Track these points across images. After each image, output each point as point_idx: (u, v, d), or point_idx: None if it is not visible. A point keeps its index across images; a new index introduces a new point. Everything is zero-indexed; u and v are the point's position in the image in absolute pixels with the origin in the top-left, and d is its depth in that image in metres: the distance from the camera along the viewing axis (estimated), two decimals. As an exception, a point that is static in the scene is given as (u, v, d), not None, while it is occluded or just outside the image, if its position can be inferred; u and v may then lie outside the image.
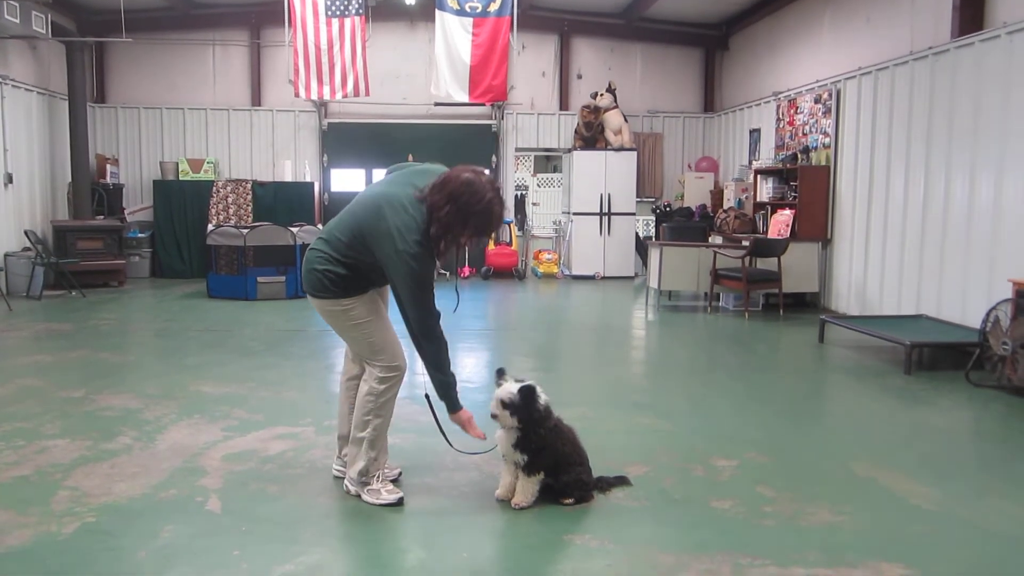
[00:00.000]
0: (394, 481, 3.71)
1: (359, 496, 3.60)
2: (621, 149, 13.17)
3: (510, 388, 3.45)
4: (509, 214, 3.30)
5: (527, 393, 3.43)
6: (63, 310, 9.37)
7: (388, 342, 3.57)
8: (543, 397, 3.52)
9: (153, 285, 11.96)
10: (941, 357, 6.99)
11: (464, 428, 3.56)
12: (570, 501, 3.55)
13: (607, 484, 3.74)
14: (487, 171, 3.57)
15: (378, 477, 3.62)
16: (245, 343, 7.44)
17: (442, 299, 3.47)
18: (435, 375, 3.49)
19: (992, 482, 4.08)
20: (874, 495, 3.79)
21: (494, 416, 3.47)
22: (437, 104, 13.02)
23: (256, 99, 13.40)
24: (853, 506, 3.61)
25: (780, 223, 10.04)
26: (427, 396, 3.71)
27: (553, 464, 3.52)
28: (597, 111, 13.11)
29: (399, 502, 3.55)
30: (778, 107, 11.19)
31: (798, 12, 11.00)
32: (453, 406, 3.54)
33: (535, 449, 3.45)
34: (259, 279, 10.30)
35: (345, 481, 3.71)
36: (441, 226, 3.29)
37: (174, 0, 12.43)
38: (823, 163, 9.95)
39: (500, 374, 3.57)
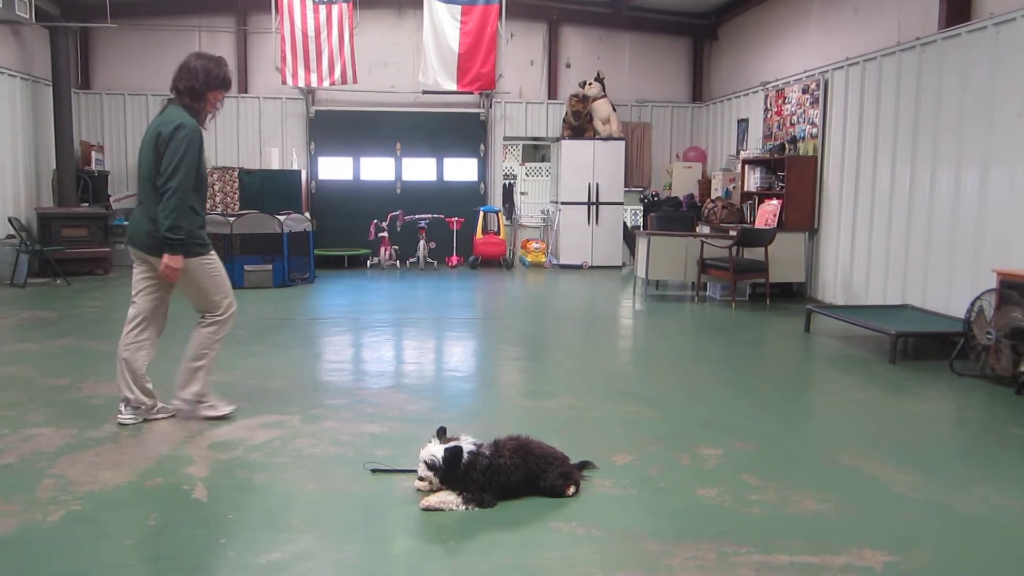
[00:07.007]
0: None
1: (198, 414, 4.51)
2: (609, 138, 13.17)
3: (433, 450, 3.41)
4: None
5: (452, 456, 3.38)
6: (48, 298, 9.30)
7: (229, 288, 4.58)
8: (468, 448, 3.44)
9: (139, 273, 11.86)
10: (926, 347, 7.05)
11: (171, 267, 4.24)
12: (572, 491, 3.54)
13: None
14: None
15: (210, 396, 4.56)
16: (231, 331, 7.38)
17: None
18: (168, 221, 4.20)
19: (975, 470, 4.13)
20: (858, 483, 3.82)
21: (421, 479, 3.44)
22: (425, 92, 12.95)
23: (243, 86, 13.29)
24: (837, 494, 3.64)
25: (767, 213, 10.08)
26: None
27: (516, 489, 3.49)
28: (585, 100, 13.09)
29: (232, 413, 4.58)
30: (766, 97, 11.20)
31: (787, 2, 11.00)
32: (177, 248, 4.24)
33: (476, 489, 3.42)
34: (246, 267, 10.25)
35: (175, 401, 4.57)
36: (184, 93, 4.39)
37: (159, -15, 12.33)
38: (810, 153, 9.98)
39: (441, 434, 3.53)
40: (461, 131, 13.72)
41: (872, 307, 8.17)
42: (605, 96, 13.17)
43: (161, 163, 4.23)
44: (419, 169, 13.78)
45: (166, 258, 4.23)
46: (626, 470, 3.89)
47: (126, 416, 4.47)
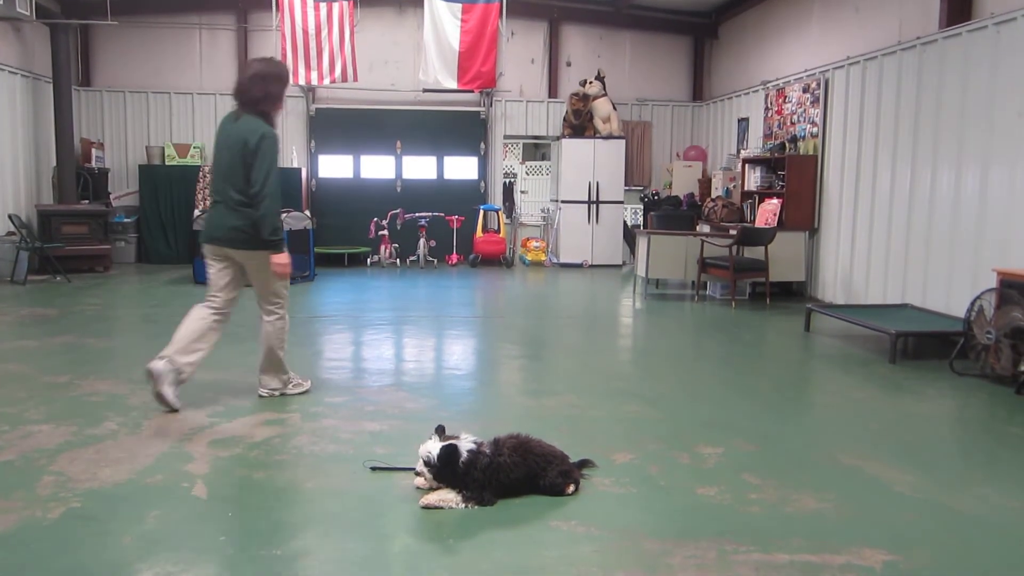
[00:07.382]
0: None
1: (281, 393, 5.00)
2: (610, 137, 13.17)
3: (431, 447, 3.40)
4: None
5: (447, 454, 3.37)
6: (48, 295, 9.30)
7: (288, 280, 4.95)
8: (467, 447, 3.43)
9: (139, 271, 11.89)
10: (926, 346, 7.05)
11: (283, 264, 4.70)
12: (572, 490, 3.54)
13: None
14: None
15: (292, 377, 5.08)
16: (232, 329, 7.32)
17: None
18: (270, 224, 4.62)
19: (975, 470, 4.13)
20: (858, 483, 3.82)
21: (418, 474, 3.44)
22: (425, 90, 12.95)
23: (243, 84, 13.27)
24: (837, 493, 3.64)
25: (767, 212, 10.07)
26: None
27: (516, 488, 3.48)
28: (586, 99, 13.08)
29: (309, 387, 5.14)
30: (767, 96, 11.20)
31: (787, 1, 10.99)
32: (280, 246, 4.70)
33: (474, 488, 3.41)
34: (246, 265, 10.23)
35: (263, 391, 5.00)
36: (262, 101, 4.66)
37: (160, -17, 12.32)
38: (811, 152, 9.98)
39: (440, 431, 3.52)
40: (461, 129, 13.71)
41: (872, 306, 8.17)
42: (605, 95, 13.16)
43: (251, 173, 4.58)
44: (419, 167, 13.77)
45: (274, 257, 4.68)
46: (626, 469, 3.89)
47: (158, 364, 4.58)
